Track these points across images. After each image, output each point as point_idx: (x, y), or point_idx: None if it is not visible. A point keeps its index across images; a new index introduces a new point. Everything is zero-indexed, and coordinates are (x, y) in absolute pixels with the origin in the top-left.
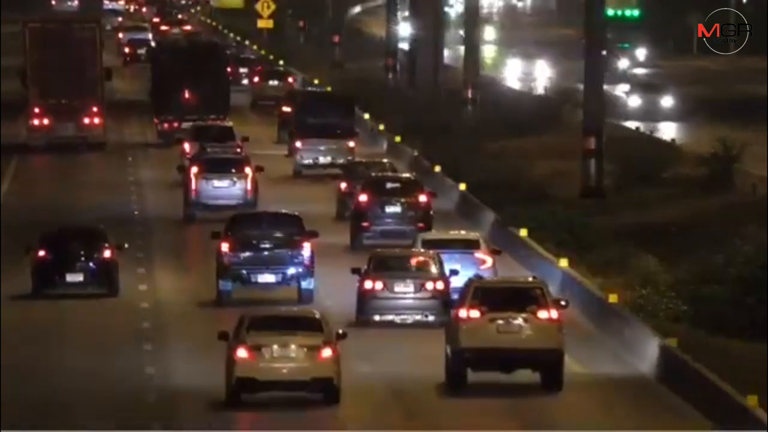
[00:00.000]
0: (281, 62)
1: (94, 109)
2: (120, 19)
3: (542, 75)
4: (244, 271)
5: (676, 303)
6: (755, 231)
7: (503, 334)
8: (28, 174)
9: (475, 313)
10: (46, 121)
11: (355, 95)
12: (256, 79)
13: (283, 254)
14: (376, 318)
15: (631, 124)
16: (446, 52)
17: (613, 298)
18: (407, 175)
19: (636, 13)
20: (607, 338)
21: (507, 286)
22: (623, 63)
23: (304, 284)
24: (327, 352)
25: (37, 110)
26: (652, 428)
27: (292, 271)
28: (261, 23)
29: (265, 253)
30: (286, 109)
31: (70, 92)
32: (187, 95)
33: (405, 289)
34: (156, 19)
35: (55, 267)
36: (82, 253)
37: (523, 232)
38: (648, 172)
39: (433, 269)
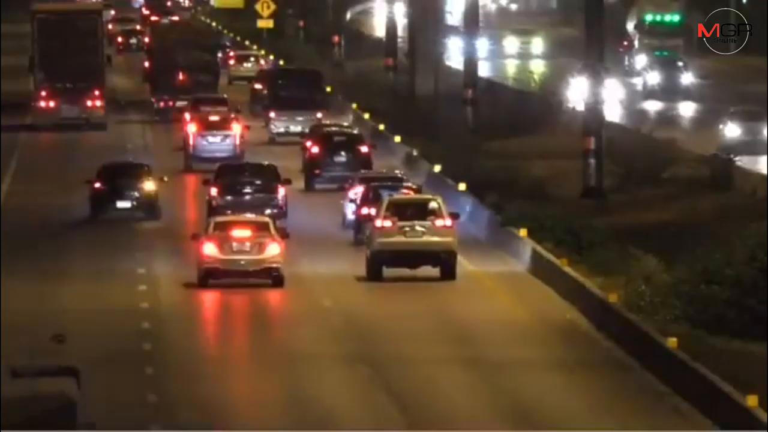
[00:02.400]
0: (274, 57)
1: (96, 92)
2: (113, 12)
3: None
4: (229, 212)
5: (676, 303)
6: (756, 225)
7: (410, 238)
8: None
9: (387, 223)
10: (52, 104)
11: (322, 72)
12: (232, 62)
13: (261, 197)
14: None
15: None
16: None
17: (612, 298)
18: (352, 130)
19: (676, 18)
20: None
21: (412, 201)
22: (687, 78)
23: (278, 222)
24: (274, 247)
25: (43, 93)
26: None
27: (269, 211)
28: (261, 23)
29: (247, 196)
30: (258, 86)
31: (74, 77)
32: (180, 77)
33: None
34: (146, 11)
35: (108, 196)
36: (131, 184)
37: (523, 232)
38: (648, 172)
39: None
